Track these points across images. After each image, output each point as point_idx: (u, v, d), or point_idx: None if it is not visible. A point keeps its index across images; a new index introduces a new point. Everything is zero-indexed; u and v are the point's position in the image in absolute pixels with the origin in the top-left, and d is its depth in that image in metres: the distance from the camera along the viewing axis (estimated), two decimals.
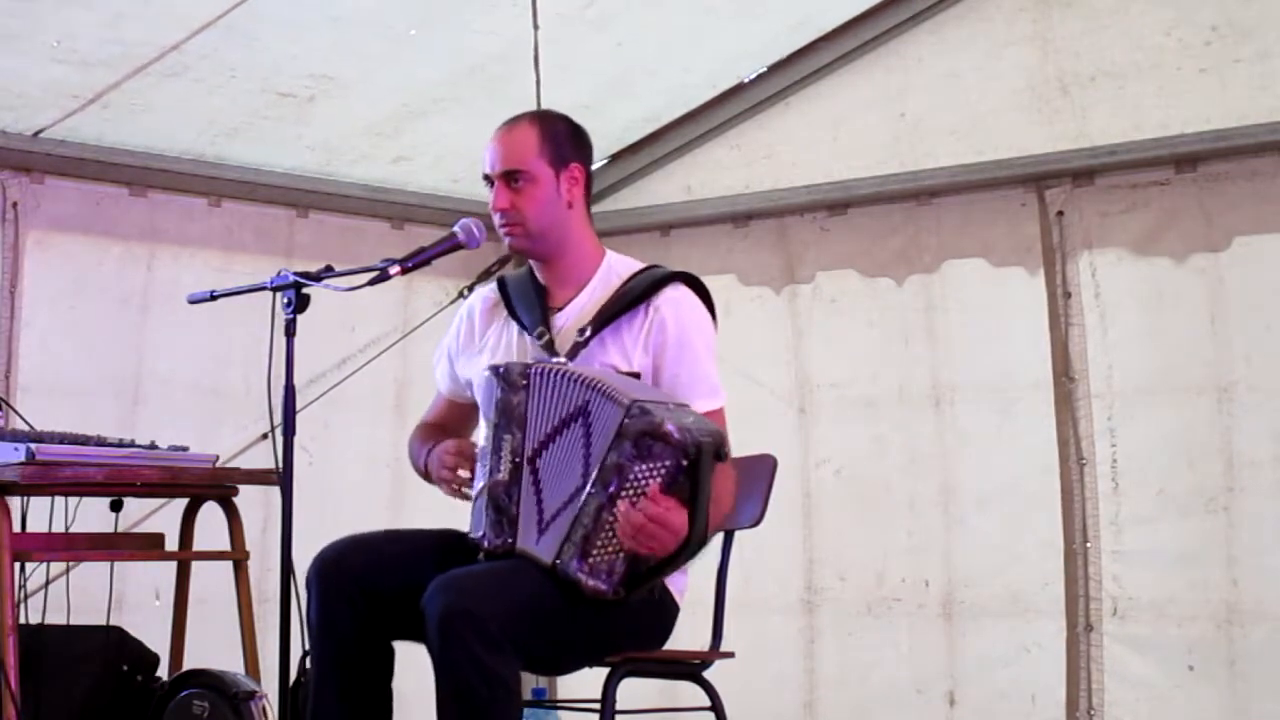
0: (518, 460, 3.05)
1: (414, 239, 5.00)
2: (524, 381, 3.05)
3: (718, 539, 3.28)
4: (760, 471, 3.44)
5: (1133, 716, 4.59)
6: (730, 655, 3.34)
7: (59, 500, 3.87)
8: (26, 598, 3.83)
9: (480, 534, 3.07)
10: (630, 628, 3.11)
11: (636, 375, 3.16)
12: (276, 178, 5.07)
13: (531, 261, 3.34)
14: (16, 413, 4.07)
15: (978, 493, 4.90)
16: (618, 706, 3.08)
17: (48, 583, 4.07)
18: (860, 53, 5.09)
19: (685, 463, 2.91)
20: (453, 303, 5.28)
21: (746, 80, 5.29)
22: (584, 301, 3.26)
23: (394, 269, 3.15)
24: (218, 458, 4.06)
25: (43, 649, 3.82)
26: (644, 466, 2.91)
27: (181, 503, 4.13)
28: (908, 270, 5.05)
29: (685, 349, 3.18)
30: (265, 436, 4.42)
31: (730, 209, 5.36)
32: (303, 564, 3.12)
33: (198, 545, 4.12)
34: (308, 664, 3.11)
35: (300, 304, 3.13)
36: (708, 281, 3.32)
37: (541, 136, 3.23)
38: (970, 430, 4.92)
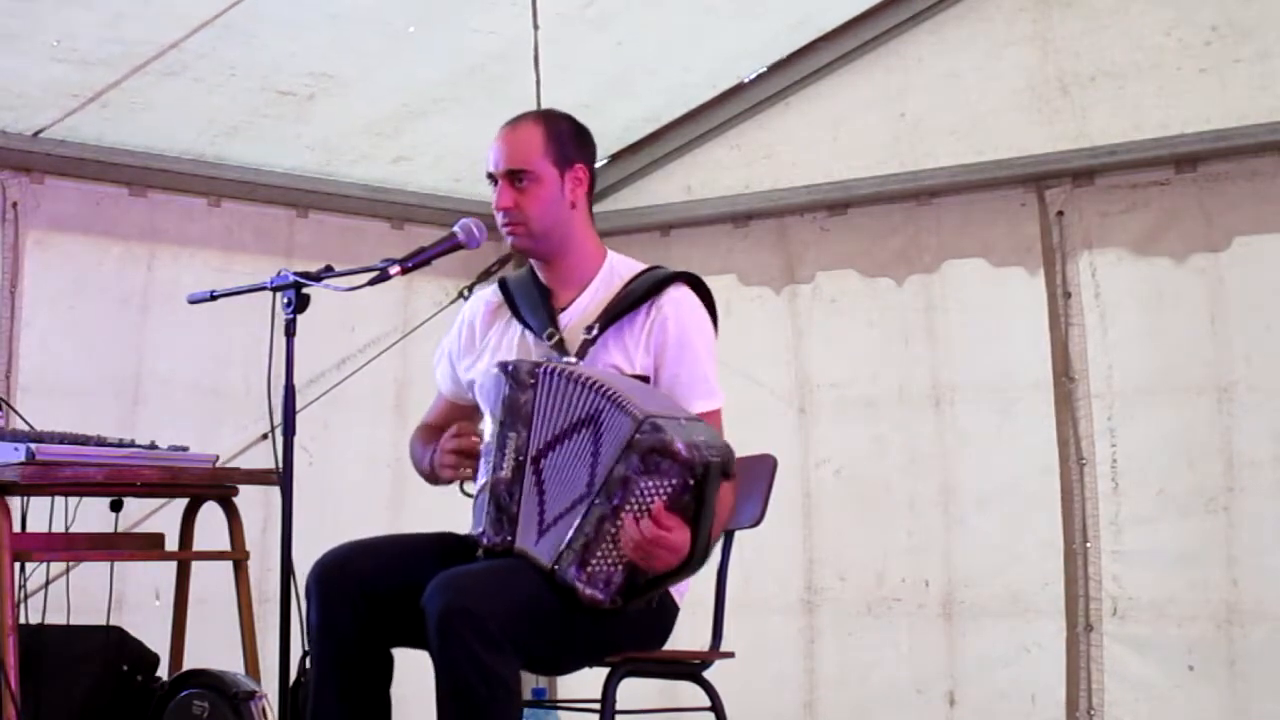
0: (521, 459, 3.05)
1: (414, 239, 5.00)
2: (532, 380, 3.05)
3: (717, 545, 3.28)
4: (760, 471, 3.44)
5: (1133, 716, 4.59)
6: (730, 655, 3.34)
7: (59, 500, 3.87)
8: (26, 598, 3.83)
9: (480, 530, 3.07)
10: (630, 628, 3.11)
11: (645, 379, 3.15)
12: (276, 177, 5.07)
13: (533, 262, 3.33)
14: (16, 413, 4.07)
15: (978, 493, 4.89)
16: (618, 706, 3.08)
17: (48, 583, 4.07)
18: (860, 53, 5.09)
19: (692, 482, 2.90)
20: (453, 303, 5.29)
21: (746, 80, 5.29)
22: (587, 301, 3.26)
23: (394, 269, 3.15)
24: (218, 458, 4.05)
25: (43, 649, 3.82)
26: (650, 482, 2.91)
27: (181, 503, 4.13)
28: (908, 270, 5.05)
29: (686, 349, 3.18)
30: (265, 436, 4.42)
31: (730, 209, 5.36)
32: (303, 564, 3.11)
33: (198, 545, 4.12)
34: (308, 664, 3.10)
35: (300, 304, 3.13)
36: (708, 281, 3.32)
37: (546, 136, 3.23)
38: (970, 430, 4.92)
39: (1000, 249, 4.88)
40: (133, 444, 3.90)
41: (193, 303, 3.44)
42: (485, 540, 3.06)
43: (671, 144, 5.49)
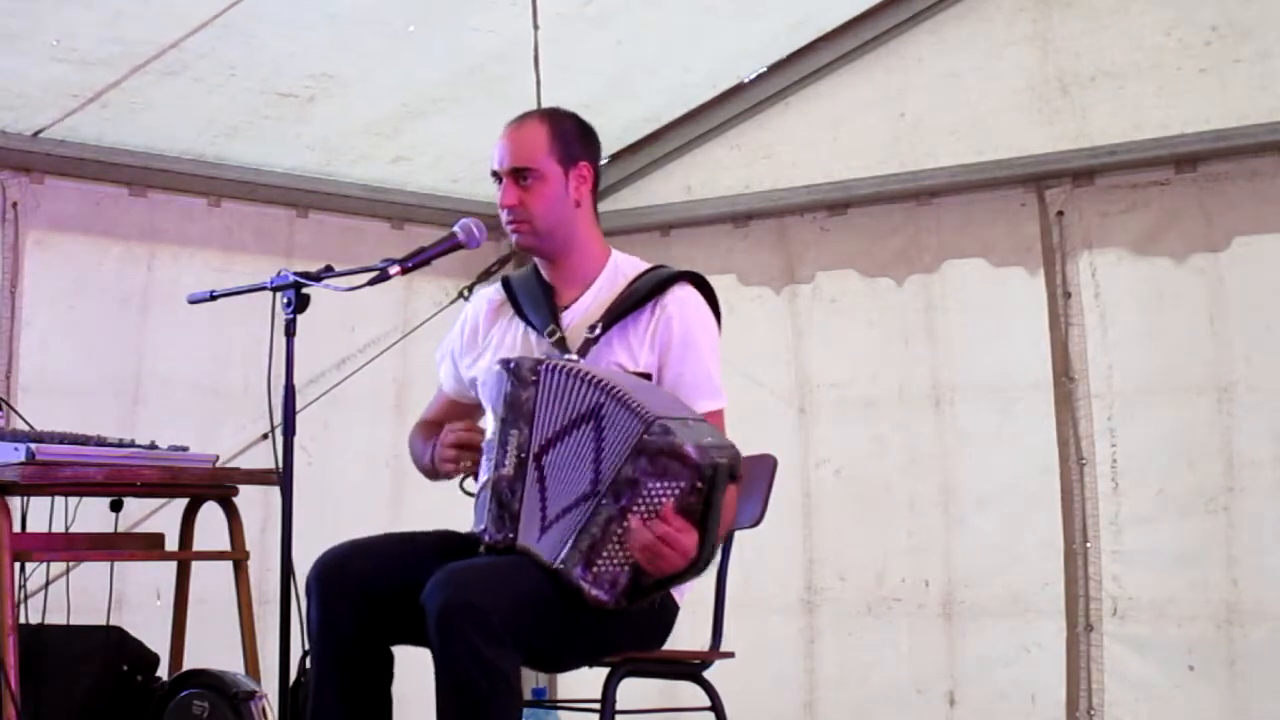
0: (523, 456, 3.04)
1: (414, 239, 5.00)
2: (534, 377, 3.04)
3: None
4: (760, 471, 3.44)
5: (1133, 716, 4.59)
6: (730, 655, 3.34)
7: (59, 500, 3.87)
8: (26, 598, 3.83)
9: (482, 527, 3.07)
10: (630, 627, 3.10)
11: (647, 376, 3.15)
12: (276, 178, 5.07)
13: (537, 260, 3.33)
14: (16, 413, 4.07)
15: (978, 493, 4.89)
16: (618, 706, 3.08)
17: (48, 583, 4.07)
18: (860, 53, 5.09)
19: (700, 484, 2.90)
20: (453, 303, 5.29)
21: (746, 80, 5.29)
22: (590, 300, 3.26)
23: (394, 269, 3.15)
24: (218, 458, 4.05)
25: (43, 649, 3.82)
26: (659, 484, 2.90)
27: (181, 503, 4.13)
28: (908, 270, 5.05)
29: (690, 349, 3.18)
30: (265, 436, 4.42)
31: (730, 209, 5.36)
32: (302, 564, 3.11)
33: (198, 545, 4.11)
34: (308, 664, 3.10)
35: (300, 304, 3.13)
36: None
37: (551, 134, 3.24)
38: (970, 430, 4.92)
39: (1000, 249, 4.88)
40: (133, 444, 3.90)
41: (193, 303, 3.44)
42: (487, 537, 3.06)
43: (671, 144, 5.49)
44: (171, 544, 4.13)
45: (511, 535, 3.05)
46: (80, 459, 3.72)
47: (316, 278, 3.14)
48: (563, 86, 4.45)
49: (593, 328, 3.19)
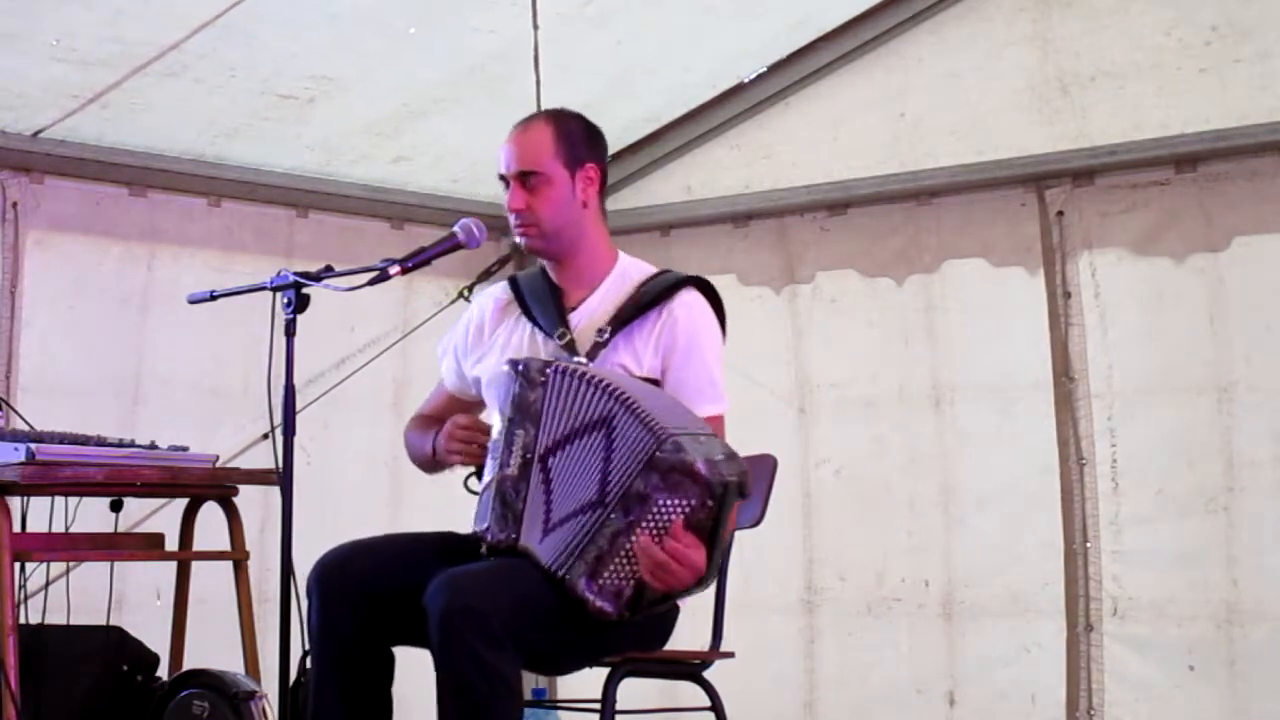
0: (529, 457, 3.04)
1: (414, 239, 5.00)
2: (542, 379, 3.04)
3: None
4: (760, 471, 3.43)
5: (1133, 716, 4.59)
6: (730, 655, 3.34)
7: (59, 500, 3.87)
8: (26, 598, 3.83)
9: (485, 526, 3.07)
10: (631, 628, 3.10)
11: (655, 382, 3.15)
12: (276, 178, 5.07)
13: (544, 261, 3.33)
14: (16, 413, 4.07)
15: (978, 493, 4.90)
16: (618, 706, 3.08)
17: (48, 583, 4.07)
18: (860, 53, 5.09)
19: (710, 502, 2.90)
20: (453, 303, 5.28)
21: (746, 80, 5.29)
22: (597, 302, 3.26)
23: (394, 269, 3.15)
24: (218, 458, 4.05)
25: (43, 649, 3.81)
26: (670, 501, 2.90)
27: (181, 503, 4.13)
28: (908, 270, 5.05)
29: (694, 353, 3.18)
30: (265, 436, 4.41)
31: (730, 209, 5.36)
32: (303, 564, 3.12)
33: (198, 545, 4.11)
34: (308, 664, 3.10)
35: (300, 304, 3.13)
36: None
37: (556, 137, 3.24)
38: (970, 430, 4.92)
39: (1000, 249, 4.88)
40: (133, 444, 3.90)
41: (193, 303, 3.44)
42: (489, 536, 3.06)
43: (671, 144, 5.49)
44: (171, 544, 4.13)
45: (514, 535, 3.05)
46: (80, 459, 3.72)
47: (316, 278, 3.14)
48: (563, 86, 4.45)
49: (601, 331, 3.19)
